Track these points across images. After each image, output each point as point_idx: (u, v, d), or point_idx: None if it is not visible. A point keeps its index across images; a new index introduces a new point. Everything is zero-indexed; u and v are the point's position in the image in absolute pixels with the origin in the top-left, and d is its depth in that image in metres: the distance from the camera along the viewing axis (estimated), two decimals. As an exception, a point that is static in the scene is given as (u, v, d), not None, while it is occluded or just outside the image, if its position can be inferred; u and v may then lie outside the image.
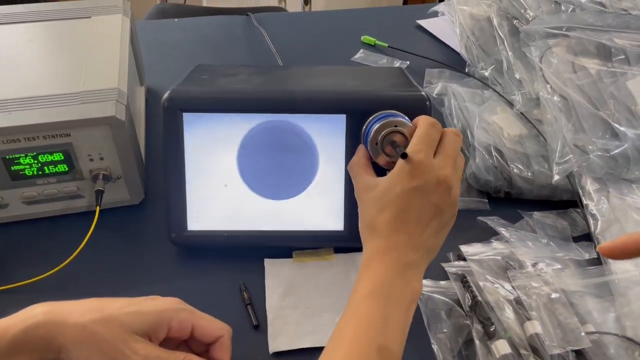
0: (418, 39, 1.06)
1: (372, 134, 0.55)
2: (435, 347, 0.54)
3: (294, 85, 0.61)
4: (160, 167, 0.73)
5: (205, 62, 0.74)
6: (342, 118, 0.59)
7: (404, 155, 0.48)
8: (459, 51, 0.97)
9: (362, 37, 1.04)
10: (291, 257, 0.63)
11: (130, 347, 0.44)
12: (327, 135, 0.59)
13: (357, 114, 0.58)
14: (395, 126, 0.54)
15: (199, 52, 1.00)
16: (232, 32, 1.07)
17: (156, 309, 0.47)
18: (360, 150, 0.56)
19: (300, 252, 0.63)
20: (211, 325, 0.49)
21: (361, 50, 1.01)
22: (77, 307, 0.45)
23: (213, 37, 1.05)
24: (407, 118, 0.55)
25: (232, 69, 0.71)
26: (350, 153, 0.59)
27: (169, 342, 0.48)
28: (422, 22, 1.09)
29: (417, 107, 0.58)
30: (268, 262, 0.62)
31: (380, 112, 0.57)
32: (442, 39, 1.05)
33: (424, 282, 0.59)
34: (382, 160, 0.55)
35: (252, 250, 0.63)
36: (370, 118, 0.57)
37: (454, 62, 0.95)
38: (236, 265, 0.62)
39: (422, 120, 0.51)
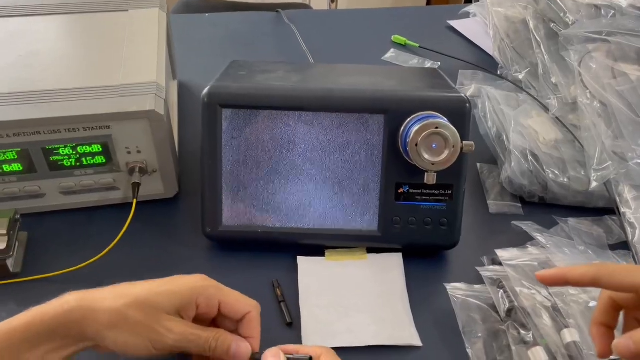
0: (449, 40, 1.05)
1: (412, 134, 0.54)
2: (470, 351, 0.53)
3: (331, 84, 0.61)
4: (193, 162, 0.74)
5: (235, 58, 0.74)
6: (380, 118, 0.58)
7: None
8: (491, 53, 0.96)
9: (392, 37, 1.03)
10: (323, 256, 0.63)
11: (165, 327, 0.45)
12: (364, 136, 0.59)
13: (396, 114, 0.58)
14: (436, 128, 0.54)
15: (229, 48, 1.01)
16: (262, 28, 1.07)
17: (184, 287, 0.47)
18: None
19: (333, 251, 0.63)
20: (239, 302, 0.49)
21: (392, 50, 1.00)
22: (109, 293, 0.46)
23: (243, 33, 1.05)
24: (447, 120, 0.55)
25: (268, 65, 0.71)
26: (387, 154, 0.59)
27: (198, 323, 0.49)
28: (453, 23, 1.09)
29: (457, 108, 0.58)
30: (301, 260, 0.62)
31: (420, 113, 0.57)
32: (474, 40, 1.04)
33: (459, 285, 0.59)
34: (420, 162, 0.55)
35: (285, 247, 0.63)
36: (410, 119, 0.57)
37: (486, 64, 0.94)
38: (269, 262, 0.62)
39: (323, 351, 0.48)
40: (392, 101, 0.58)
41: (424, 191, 0.60)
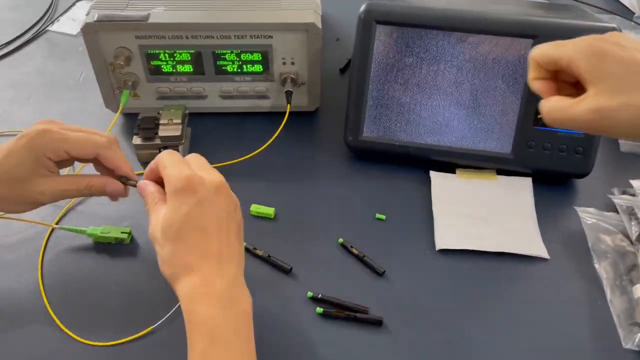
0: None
1: (563, 57, 0.56)
2: (597, 266, 0.56)
3: (481, 8, 0.63)
4: (329, 79, 0.79)
5: None
6: (528, 43, 0.61)
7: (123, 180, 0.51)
8: (625, 3, 0.94)
9: (523, -19, 1.02)
10: (454, 173, 0.67)
11: (35, 191, 0.50)
12: (510, 60, 0.62)
13: (546, 39, 0.59)
14: (590, 52, 0.55)
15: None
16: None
17: (27, 150, 0.49)
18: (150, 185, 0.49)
19: (464, 170, 0.67)
20: (83, 147, 0.50)
21: (521, -6, 1.00)
22: None
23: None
24: None
25: (414, -8, 0.74)
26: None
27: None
28: (587, -29, 1.06)
29: (608, 38, 0.59)
30: (433, 174, 0.66)
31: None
32: (607, -11, 1.01)
33: (590, 210, 0.61)
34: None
35: (417, 162, 0.67)
36: (560, 44, 0.59)
37: (618, 12, 0.92)
38: (401, 174, 0.67)
39: (161, 154, 0.48)
40: (543, 27, 0.60)
41: (563, 117, 0.62)
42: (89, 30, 0.65)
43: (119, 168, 0.52)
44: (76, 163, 0.55)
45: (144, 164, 0.59)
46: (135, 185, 0.51)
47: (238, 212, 0.48)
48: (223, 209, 0.45)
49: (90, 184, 0.52)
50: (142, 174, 0.51)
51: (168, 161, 0.47)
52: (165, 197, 0.46)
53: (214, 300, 0.42)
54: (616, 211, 0.61)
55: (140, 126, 0.65)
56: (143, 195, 0.49)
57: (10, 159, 0.49)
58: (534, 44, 0.60)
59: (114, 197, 0.54)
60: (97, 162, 0.53)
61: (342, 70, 0.83)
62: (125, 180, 0.53)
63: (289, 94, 0.69)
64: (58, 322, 0.52)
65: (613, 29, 0.59)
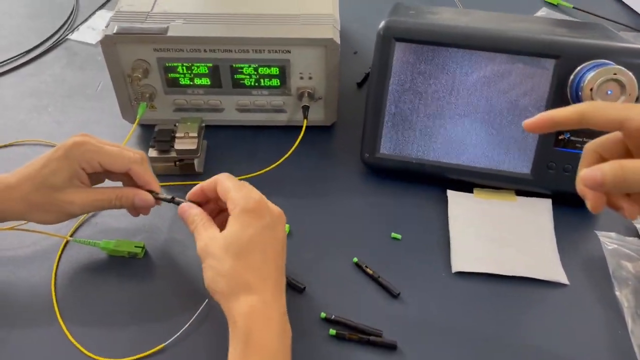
0: (603, 3, 1.01)
1: (587, 79, 0.55)
2: (618, 294, 0.55)
3: (502, 27, 0.62)
4: (346, 94, 0.79)
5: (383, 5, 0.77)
6: (551, 63, 0.60)
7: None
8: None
9: (544, -4, 1.01)
10: (471, 192, 0.66)
11: (66, 201, 0.51)
12: (531, 79, 0.61)
13: (569, 59, 0.58)
14: (615, 74, 0.54)
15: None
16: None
17: (62, 160, 0.51)
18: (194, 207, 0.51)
19: (482, 190, 0.66)
20: (116, 160, 0.52)
21: (542, 9, 0.99)
22: (17, 181, 0.51)
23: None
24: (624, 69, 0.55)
25: (433, 8, 0.74)
26: (553, 98, 0.60)
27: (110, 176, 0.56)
28: (610, -14, 1.04)
29: (633, 60, 0.57)
30: (450, 193, 0.65)
31: (595, 60, 0.57)
32: (631, 5, 1.00)
33: (611, 234, 0.60)
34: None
35: (434, 180, 0.67)
36: (584, 65, 0.58)
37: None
38: (418, 192, 0.66)
39: (220, 177, 0.50)
40: (567, 46, 0.59)
41: (585, 139, 0.61)
42: (108, 43, 0.65)
43: (148, 184, 0.54)
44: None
45: (159, 176, 0.59)
46: (170, 201, 0.53)
47: (285, 247, 0.50)
48: (280, 239, 0.48)
49: (120, 195, 0.54)
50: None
51: (231, 184, 0.49)
52: (209, 218, 0.49)
53: (274, 326, 0.44)
54: (638, 236, 0.60)
55: (157, 139, 0.65)
56: (185, 216, 0.51)
57: (47, 168, 0.51)
58: (556, 64, 0.59)
59: (141, 209, 0.55)
60: (127, 177, 0.55)
61: (360, 84, 0.82)
62: (155, 194, 0.55)
63: (305, 109, 0.68)
64: (70, 336, 0.52)
65: (638, 50, 0.58)
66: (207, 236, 0.47)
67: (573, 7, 0.98)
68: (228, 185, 0.49)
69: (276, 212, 0.49)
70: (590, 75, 0.55)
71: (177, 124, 0.67)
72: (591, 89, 0.55)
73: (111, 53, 0.66)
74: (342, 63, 0.67)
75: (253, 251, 0.45)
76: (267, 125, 0.74)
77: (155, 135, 0.66)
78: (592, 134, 0.61)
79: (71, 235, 0.60)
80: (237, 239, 0.45)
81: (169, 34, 0.64)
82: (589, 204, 0.42)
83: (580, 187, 0.41)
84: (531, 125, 0.42)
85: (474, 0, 1.01)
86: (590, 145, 0.43)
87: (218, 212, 0.53)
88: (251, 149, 0.72)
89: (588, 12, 0.96)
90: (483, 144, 0.64)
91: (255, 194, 0.48)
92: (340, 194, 0.67)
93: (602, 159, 0.42)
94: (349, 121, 0.75)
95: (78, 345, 0.51)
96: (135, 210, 0.56)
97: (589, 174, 0.37)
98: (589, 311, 0.55)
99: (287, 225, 0.61)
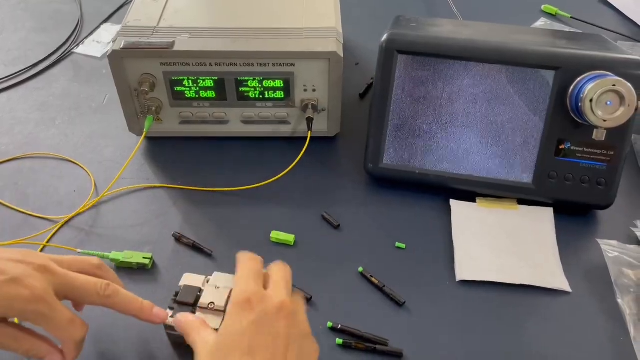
0: (601, 13, 1.03)
1: (586, 90, 0.56)
2: (620, 301, 0.56)
3: (503, 39, 0.63)
4: (349, 106, 0.80)
5: (381, 11, 0.78)
6: (551, 74, 0.61)
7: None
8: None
9: (542, 7, 1.03)
10: (474, 202, 0.67)
11: None
12: (532, 90, 0.62)
13: (569, 71, 0.60)
14: (614, 85, 0.55)
15: (379, 5, 1.05)
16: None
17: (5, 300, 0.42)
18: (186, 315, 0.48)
19: (484, 199, 0.67)
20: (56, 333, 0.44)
21: (541, 19, 1.00)
22: None
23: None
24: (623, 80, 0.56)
25: (435, 20, 0.75)
26: (553, 109, 0.61)
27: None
28: (607, -4, 1.06)
29: (632, 71, 0.58)
30: (454, 203, 0.66)
31: (594, 72, 0.58)
32: (628, 15, 1.01)
33: (612, 242, 0.61)
34: (593, 118, 0.57)
35: (437, 190, 0.68)
36: (583, 76, 0.59)
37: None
38: (421, 202, 0.67)
39: (240, 256, 0.47)
40: (567, 58, 0.60)
41: (586, 149, 0.62)
42: (115, 57, 0.66)
43: (128, 311, 0.48)
44: None
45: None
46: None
47: (307, 341, 0.44)
48: (281, 333, 0.42)
49: (32, 348, 0.45)
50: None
51: (245, 272, 0.45)
52: (206, 323, 0.46)
53: None
54: (639, 244, 0.60)
55: (178, 300, 0.50)
56: (181, 327, 0.46)
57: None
58: (556, 75, 0.60)
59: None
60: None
61: (362, 95, 0.84)
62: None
63: (309, 121, 0.69)
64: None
65: (637, 61, 0.59)
66: (200, 342, 0.43)
67: (571, 17, 1.00)
68: (237, 275, 0.46)
69: (274, 303, 0.43)
70: (589, 86, 0.56)
71: (208, 279, 0.51)
72: (591, 100, 0.56)
73: (118, 67, 0.67)
74: (344, 74, 0.68)
75: (233, 352, 0.40)
76: (272, 137, 0.75)
77: (177, 293, 0.51)
78: (593, 143, 0.62)
79: (80, 247, 0.61)
80: (221, 340, 0.42)
81: (176, 48, 0.66)
82: None
83: None
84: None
85: (474, 12, 1.02)
86: None
87: None
88: (255, 160, 0.73)
89: (586, 22, 0.98)
90: (485, 154, 0.65)
91: (252, 284, 0.44)
92: (345, 204, 0.68)
93: None
94: (352, 132, 0.76)
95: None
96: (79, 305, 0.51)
97: None
98: (591, 318, 0.55)
99: (292, 236, 0.62)
